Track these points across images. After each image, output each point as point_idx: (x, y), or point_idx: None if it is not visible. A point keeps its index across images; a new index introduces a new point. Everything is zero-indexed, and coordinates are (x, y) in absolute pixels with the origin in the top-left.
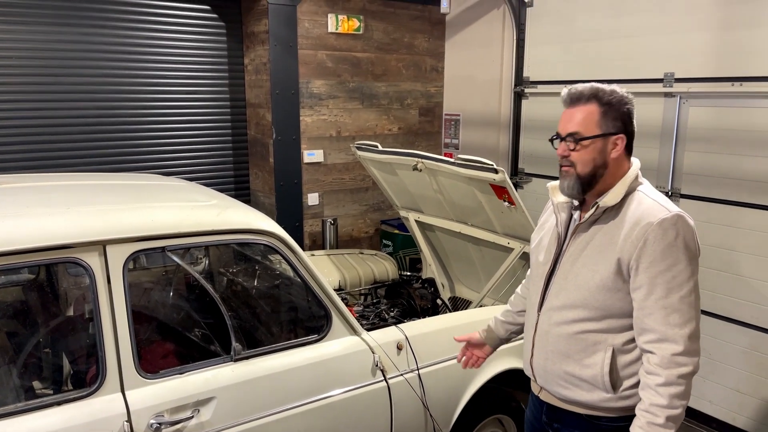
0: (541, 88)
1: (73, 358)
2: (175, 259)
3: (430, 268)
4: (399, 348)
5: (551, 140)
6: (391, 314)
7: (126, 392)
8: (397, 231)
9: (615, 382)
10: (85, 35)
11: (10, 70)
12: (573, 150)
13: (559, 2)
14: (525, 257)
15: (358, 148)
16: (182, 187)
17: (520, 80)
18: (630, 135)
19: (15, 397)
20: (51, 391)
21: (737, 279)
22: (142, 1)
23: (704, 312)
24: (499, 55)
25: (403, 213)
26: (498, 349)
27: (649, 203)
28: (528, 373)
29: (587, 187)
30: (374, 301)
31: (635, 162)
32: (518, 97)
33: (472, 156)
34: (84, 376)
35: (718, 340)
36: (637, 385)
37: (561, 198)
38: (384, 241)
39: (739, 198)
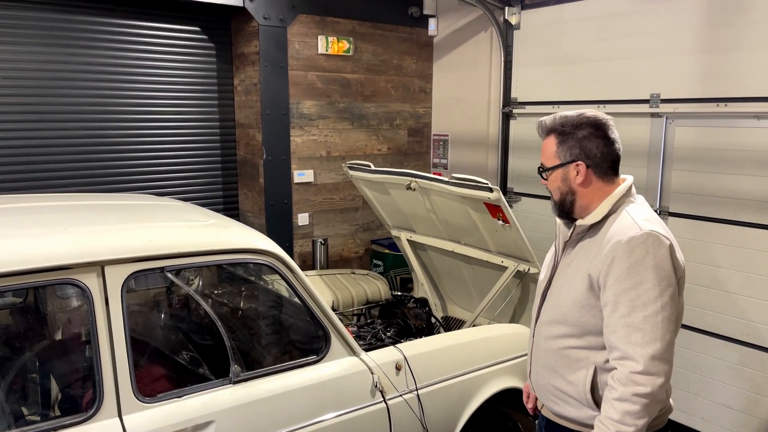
0: (529, 109)
1: (70, 381)
2: (174, 279)
3: (422, 288)
4: (398, 368)
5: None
6: (388, 334)
7: (123, 417)
8: (387, 251)
9: (598, 401)
10: (73, 55)
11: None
12: (545, 179)
13: (546, 25)
14: (519, 276)
15: (351, 168)
16: (179, 206)
17: (508, 101)
18: (595, 158)
19: (9, 423)
20: (46, 417)
21: (726, 296)
22: (133, 22)
23: (693, 329)
24: (487, 77)
25: (394, 232)
26: (496, 368)
27: (627, 222)
28: (530, 386)
29: (562, 212)
30: (368, 321)
31: (627, 180)
32: (506, 117)
33: (465, 175)
34: (80, 401)
35: (708, 356)
36: None
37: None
38: (374, 261)
39: (726, 216)
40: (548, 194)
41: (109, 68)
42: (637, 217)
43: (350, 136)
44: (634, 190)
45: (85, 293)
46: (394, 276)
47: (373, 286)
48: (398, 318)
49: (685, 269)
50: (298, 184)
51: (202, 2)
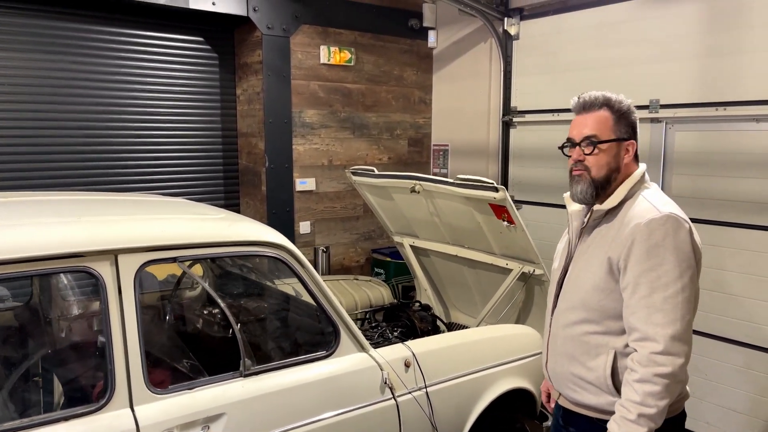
0: (528, 117)
1: (81, 371)
2: (186, 270)
3: (425, 294)
4: (407, 365)
5: (561, 147)
6: (395, 334)
7: (135, 408)
8: (389, 259)
9: (618, 386)
10: (78, 63)
11: (2, 96)
12: (589, 154)
13: (545, 35)
14: (524, 278)
15: (354, 173)
16: (190, 203)
17: (507, 110)
18: (637, 142)
19: (21, 412)
20: (58, 406)
21: (729, 298)
22: (138, 32)
23: (697, 332)
24: (487, 87)
25: (397, 238)
26: (504, 368)
27: (645, 205)
28: (546, 377)
29: (600, 190)
30: (372, 325)
31: (641, 166)
32: (506, 126)
33: (470, 175)
34: (91, 390)
35: (712, 360)
36: None
37: (575, 207)
38: (376, 270)
39: (727, 218)
40: (551, 201)
41: (113, 77)
42: (655, 200)
43: (351, 145)
44: (647, 176)
45: (98, 282)
46: (396, 284)
47: (377, 292)
48: (403, 321)
49: (701, 253)
50: (299, 192)
51: (206, 12)
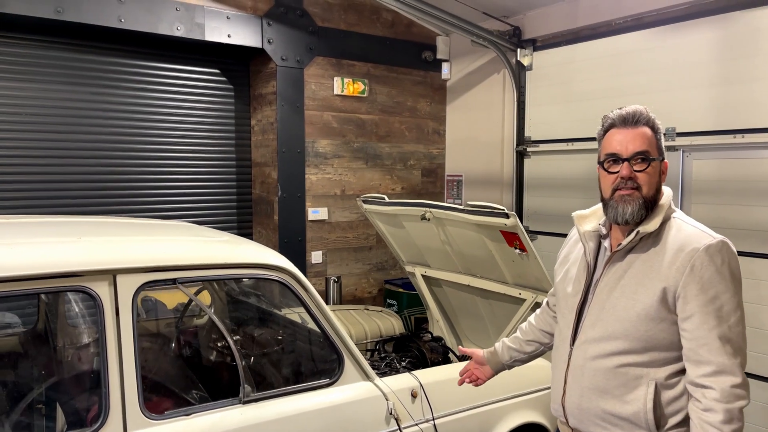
0: (542, 147)
1: (75, 393)
2: (186, 292)
3: (437, 325)
4: (413, 395)
5: (601, 163)
6: (403, 363)
7: None
8: (401, 290)
9: (659, 420)
10: (97, 94)
11: (23, 126)
12: (641, 171)
13: (558, 65)
14: (537, 307)
15: (365, 202)
16: (193, 225)
17: (521, 140)
18: None
19: None
20: (51, 429)
21: (753, 331)
22: (156, 64)
23: None
24: (500, 117)
25: (408, 268)
26: (516, 402)
27: (690, 230)
28: (558, 413)
29: (649, 211)
30: (381, 355)
31: (667, 190)
32: (520, 156)
33: (481, 201)
34: (86, 414)
35: None
36: (682, 423)
37: (588, 227)
38: (388, 301)
39: (750, 248)
40: (566, 232)
41: (130, 107)
42: (698, 225)
43: (365, 175)
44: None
45: (95, 302)
46: (408, 315)
47: (387, 323)
48: (413, 351)
49: None
50: (312, 221)
51: (222, 44)
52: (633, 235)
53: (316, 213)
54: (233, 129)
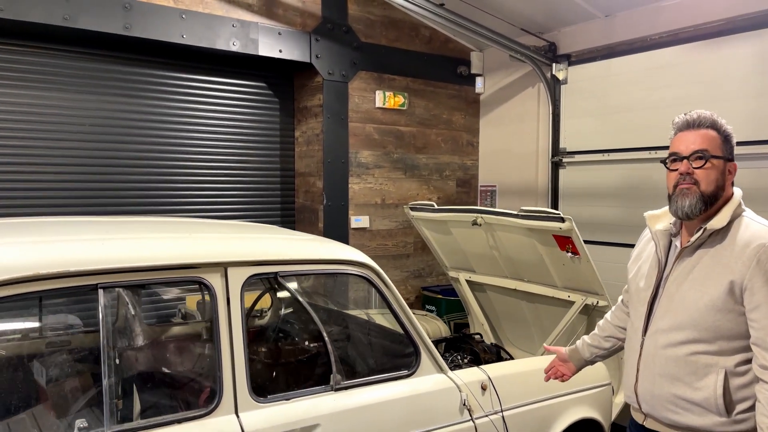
0: (578, 158)
1: (191, 377)
2: (286, 285)
3: (482, 329)
4: (483, 388)
5: (664, 161)
6: (465, 361)
7: (240, 414)
8: (440, 296)
9: (729, 406)
10: (151, 107)
11: (81, 135)
12: (699, 167)
13: (593, 79)
14: (586, 311)
15: (412, 209)
16: (280, 228)
17: (557, 151)
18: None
19: (137, 414)
20: (170, 409)
21: None
22: (205, 77)
23: None
24: (535, 129)
25: (452, 273)
26: (575, 397)
27: (757, 227)
28: (631, 400)
29: (708, 206)
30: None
31: (737, 191)
32: (555, 166)
33: (535, 207)
34: (199, 396)
35: None
36: (751, 408)
37: (660, 226)
38: (427, 306)
39: None
40: (603, 240)
41: (178, 118)
42: (766, 222)
43: (403, 185)
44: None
45: (210, 291)
46: (448, 320)
47: (434, 326)
48: (467, 352)
49: None
50: (354, 229)
51: (271, 59)
52: (701, 232)
53: (358, 221)
54: (277, 140)
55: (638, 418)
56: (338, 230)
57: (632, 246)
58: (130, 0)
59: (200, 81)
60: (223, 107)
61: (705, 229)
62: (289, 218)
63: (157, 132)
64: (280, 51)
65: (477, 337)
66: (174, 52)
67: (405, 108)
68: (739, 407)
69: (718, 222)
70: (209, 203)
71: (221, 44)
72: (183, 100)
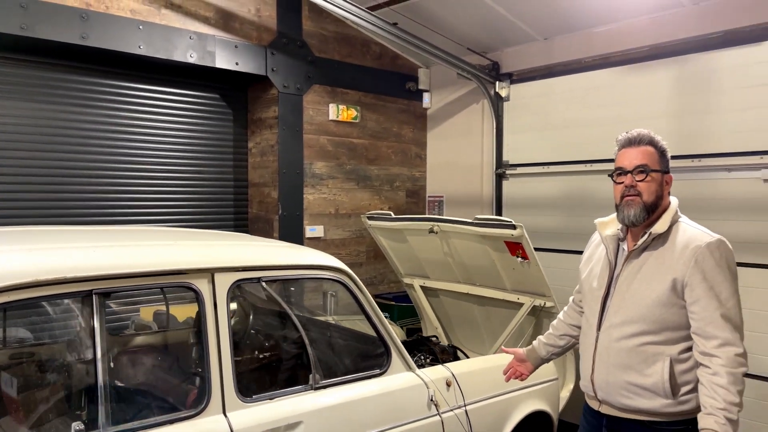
0: (520, 170)
1: (179, 379)
2: (269, 290)
3: (437, 332)
4: (448, 385)
5: (611, 175)
6: (428, 361)
7: (228, 414)
8: (393, 303)
9: (674, 389)
10: (101, 116)
11: (36, 145)
12: (641, 180)
13: (533, 97)
14: (534, 312)
15: (370, 218)
16: (253, 236)
17: (500, 163)
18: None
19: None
20: (160, 411)
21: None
22: (162, 88)
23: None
24: (480, 143)
25: (407, 280)
26: (528, 391)
27: (693, 231)
28: (587, 389)
29: (650, 213)
30: None
31: (674, 199)
32: (499, 178)
33: (488, 215)
34: (188, 397)
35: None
36: (693, 390)
37: (609, 231)
38: None
39: None
40: (544, 246)
41: (129, 128)
42: (700, 227)
43: (356, 195)
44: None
45: (197, 296)
46: (401, 326)
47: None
48: (425, 353)
49: None
50: (309, 239)
51: (226, 71)
52: (646, 236)
53: (313, 230)
54: (231, 151)
55: (594, 405)
56: (293, 240)
57: (571, 252)
58: (87, 10)
59: (156, 92)
60: (178, 117)
61: (650, 233)
62: (242, 228)
63: (113, 141)
64: (237, 63)
65: (434, 339)
66: (131, 62)
67: (357, 121)
68: (683, 389)
69: (660, 227)
70: (163, 212)
71: (179, 56)
72: (139, 111)
